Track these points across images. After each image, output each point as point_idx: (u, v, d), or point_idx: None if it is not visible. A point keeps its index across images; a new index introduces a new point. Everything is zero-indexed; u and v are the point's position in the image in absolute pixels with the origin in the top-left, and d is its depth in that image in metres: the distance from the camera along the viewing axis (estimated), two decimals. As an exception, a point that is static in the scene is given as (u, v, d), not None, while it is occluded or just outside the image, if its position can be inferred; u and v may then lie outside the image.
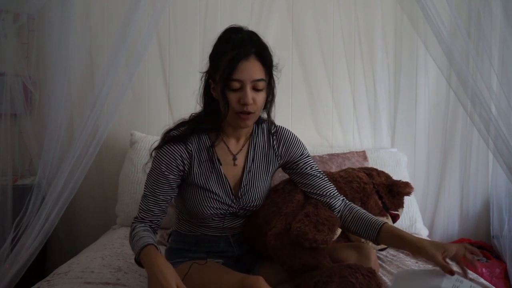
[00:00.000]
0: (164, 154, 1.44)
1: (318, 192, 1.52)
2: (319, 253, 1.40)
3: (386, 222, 1.44)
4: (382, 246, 1.81)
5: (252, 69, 1.36)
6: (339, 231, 1.76)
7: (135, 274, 1.66)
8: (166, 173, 1.44)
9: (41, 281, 1.58)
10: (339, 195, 1.54)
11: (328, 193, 1.52)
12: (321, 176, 1.54)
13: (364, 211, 1.50)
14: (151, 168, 1.47)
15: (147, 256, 1.31)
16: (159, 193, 1.45)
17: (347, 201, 1.55)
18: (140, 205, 1.48)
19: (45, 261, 2.43)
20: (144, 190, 1.47)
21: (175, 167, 1.44)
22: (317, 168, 1.56)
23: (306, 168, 1.54)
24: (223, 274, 1.34)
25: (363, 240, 1.76)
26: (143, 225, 1.44)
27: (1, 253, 1.85)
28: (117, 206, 2.35)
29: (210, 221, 1.51)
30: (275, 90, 1.48)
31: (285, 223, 1.44)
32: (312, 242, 1.36)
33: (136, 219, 1.46)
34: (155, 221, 1.47)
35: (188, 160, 1.46)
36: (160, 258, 1.29)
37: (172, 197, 1.49)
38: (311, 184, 1.53)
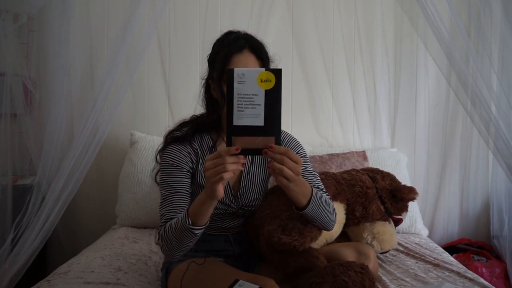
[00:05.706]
0: (172, 152, 1.44)
1: None
2: (310, 254, 1.38)
3: None
4: (384, 249, 1.80)
5: (245, 62, 1.38)
6: (329, 234, 1.70)
7: (135, 274, 1.66)
8: (179, 166, 1.42)
9: (41, 281, 1.58)
10: None
11: None
12: (312, 181, 1.49)
13: None
14: (162, 170, 1.44)
15: (193, 211, 1.26)
16: (179, 187, 1.40)
17: None
18: (162, 209, 1.39)
19: (45, 261, 2.42)
20: (162, 193, 1.41)
21: (185, 163, 1.44)
22: (311, 171, 1.52)
23: None
24: (231, 273, 1.33)
25: (363, 240, 1.76)
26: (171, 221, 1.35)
27: (1, 253, 1.84)
28: (117, 206, 2.35)
29: (209, 220, 1.50)
30: None
31: (276, 226, 1.41)
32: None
33: (163, 223, 1.37)
34: None
35: (195, 158, 1.47)
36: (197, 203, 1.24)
37: (190, 191, 1.43)
38: None
